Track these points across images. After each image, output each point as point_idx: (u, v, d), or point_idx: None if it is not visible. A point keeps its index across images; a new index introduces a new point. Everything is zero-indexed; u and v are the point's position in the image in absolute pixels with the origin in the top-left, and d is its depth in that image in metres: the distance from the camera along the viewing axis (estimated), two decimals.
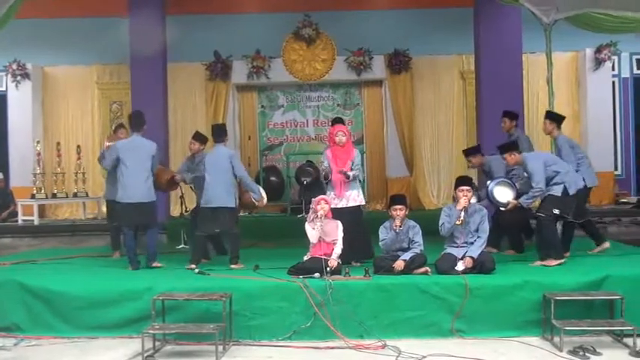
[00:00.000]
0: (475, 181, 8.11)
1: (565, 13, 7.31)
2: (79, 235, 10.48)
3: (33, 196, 11.44)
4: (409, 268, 5.96)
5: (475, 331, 5.59)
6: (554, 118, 7.42)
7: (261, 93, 13.06)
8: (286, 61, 12.33)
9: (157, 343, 5.41)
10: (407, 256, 6.04)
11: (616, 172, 12.95)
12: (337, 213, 6.52)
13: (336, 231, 6.24)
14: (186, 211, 9.64)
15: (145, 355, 5.14)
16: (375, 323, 5.60)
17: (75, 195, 11.96)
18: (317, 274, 5.83)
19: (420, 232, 6.24)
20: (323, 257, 5.99)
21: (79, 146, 12.17)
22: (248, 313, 5.64)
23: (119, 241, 7.71)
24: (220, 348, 5.18)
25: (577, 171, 7.03)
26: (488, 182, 7.26)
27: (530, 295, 5.61)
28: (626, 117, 13.23)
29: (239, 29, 12.31)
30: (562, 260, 6.47)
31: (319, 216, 6.20)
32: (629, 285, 5.65)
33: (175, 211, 11.22)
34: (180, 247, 8.76)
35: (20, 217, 11.44)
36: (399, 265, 5.97)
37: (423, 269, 5.98)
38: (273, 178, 11.92)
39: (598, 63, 12.54)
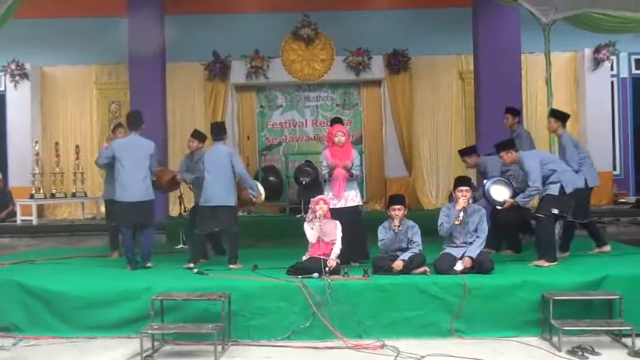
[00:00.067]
0: (473, 181, 8.10)
1: (564, 13, 7.31)
2: (77, 235, 10.47)
3: (31, 196, 11.44)
4: (408, 268, 5.96)
5: (474, 331, 5.59)
6: (559, 116, 7.41)
7: (259, 93, 13.06)
8: (285, 61, 12.33)
9: (156, 343, 5.41)
10: (406, 256, 6.04)
11: (614, 172, 12.97)
12: (336, 213, 6.52)
13: (335, 231, 6.24)
14: (185, 210, 9.63)
15: (144, 355, 5.14)
16: (373, 323, 5.60)
17: (73, 195, 11.95)
18: (316, 274, 5.82)
19: (419, 232, 6.24)
20: (322, 257, 5.98)
21: (77, 146, 12.18)
22: (247, 313, 5.64)
23: (118, 241, 7.70)
24: (219, 348, 5.17)
25: (579, 171, 7.03)
26: (485, 181, 7.25)
27: (529, 295, 5.61)
28: (625, 117, 13.25)
29: (238, 29, 12.31)
30: (554, 263, 6.44)
31: (318, 216, 6.20)
32: (627, 285, 5.65)
33: (174, 211, 11.21)
34: (179, 247, 8.75)
35: (19, 217, 11.44)
36: (398, 265, 5.97)
37: (421, 269, 5.98)
38: (271, 178, 11.92)
39: (597, 63, 12.56)
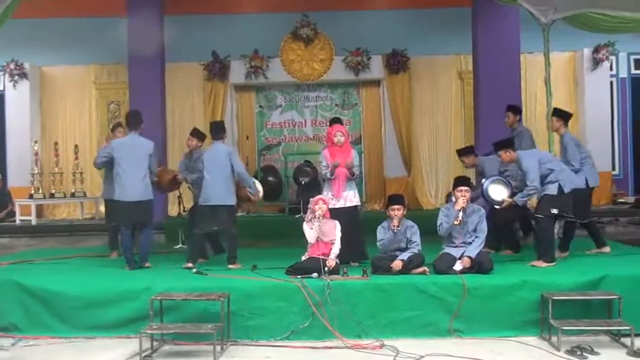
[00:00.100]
0: (472, 181, 8.11)
1: (563, 13, 7.31)
2: (76, 235, 10.47)
3: (31, 196, 11.44)
4: (407, 267, 5.96)
5: (473, 331, 5.59)
6: (562, 115, 7.40)
7: (259, 93, 13.05)
8: (284, 61, 12.33)
9: (155, 343, 5.41)
10: (405, 256, 6.04)
11: (614, 172, 12.98)
12: (335, 213, 6.51)
13: (334, 231, 6.23)
14: (184, 210, 9.63)
15: (143, 355, 5.14)
16: (373, 323, 5.60)
17: (72, 195, 11.95)
18: (315, 274, 5.82)
19: (418, 232, 6.24)
20: (321, 257, 5.98)
21: (76, 146, 12.18)
22: (246, 313, 5.64)
23: (117, 241, 7.69)
24: (218, 348, 5.17)
25: (580, 170, 7.02)
26: (483, 180, 7.25)
27: (528, 295, 5.61)
28: (624, 117, 13.25)
29: (237, 29, 12.30)
30: (552, 263, 6.44)
31: (317, 216, 6.19)
32: (626, 285, 5.65)
33: (173, 210, 11.21)
34: (177, 246, 8.75)
35: (18, 217, 11.44)
36: (397, 265, 5.97)
37: (420, 269, 5.98)
38: (271, 178, 11.91)
39: (596, 63, 12.56)
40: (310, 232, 6.20)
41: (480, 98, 10.33)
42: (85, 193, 12.08)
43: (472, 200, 6.88)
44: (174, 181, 7.85)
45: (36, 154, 11.77)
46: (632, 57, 13.29)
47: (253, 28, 12.21)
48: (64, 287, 5.90)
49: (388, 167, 12.66)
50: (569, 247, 7.19)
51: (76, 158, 12.02)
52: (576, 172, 7.01)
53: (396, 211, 6.17)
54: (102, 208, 9.45)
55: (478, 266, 5.99)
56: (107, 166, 7.26)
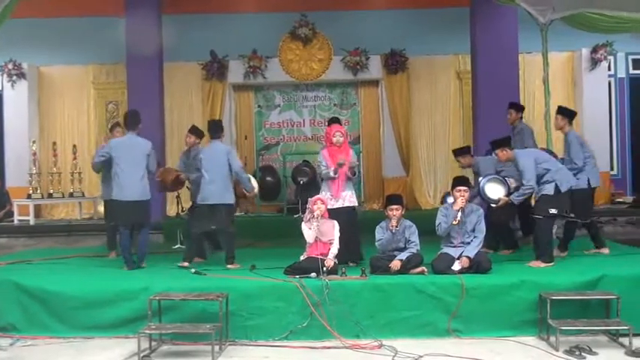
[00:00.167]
0: (471, 181, 8.12)
1: (561, 13, 7.32)
2: (74, 235, 10.46)
3: (29, 196, 11.43)
4: (405, 267, 5.96)
5: (471, 331, 5.60)
6: (566, 114, 7.35)
7: (257, 93, 13.06)
8: (283, 61, 12.34)
9: (154, 343, 5.41)
10: (403, 255, 6.04)
11: (612, 172, 12.98)
12: (334, 213, 6.51)
13: (333, 231, 6.23)
14: (182, 210, 9.62)
15: (142, 355, 5.13)
16: (371, 323, 5.60)
17: (71, 195, 11.94)
18: (313, 274, 5.82)
19: (417, 232, 6.24)
20: (319, 257, 5.98)
21: (75, 146, 12.17)
22: (244, 313, 5.64)
23: (115, 241, 7.70)
24: (217, 348, 5.17)
25: (582, 170, 7.01)
26: (480, 179, 7.25)
27: (527, 295, 5.62)
28: (622, 117, 13.26)
29: (235, 29, 12.30)
30: (550, 264, 6.44)
31: (315, 216, 6.19)
32: (625, 285, 5.66)
33: (171, 210, 11.21)
34: (176, 247, 8.74)
35: (16, 217, 11.43)
36: (396, 264, 5.97)
37: (419, 269, 5.98)
38: (269, 178, 11.92)
39: (594, 63, 12.58)
40: (309, 232, 6.20)
41: (478, 98, 10.34)
42: (83, 193, 12.07)
43: (469, 199, 6.88)
44: (177, 181, 7.83)
45: (34, 154, 11.76)
46: (630, 57, 13.28)
47: (252, 28, 12.21)
48: (62, 287, 5.90)
49: (386, 167, 12.67)
50: (568, 247, 7.18)
51: (75, 158, 12.01)
52: (578, 171, 6.99)
53: (395, 211, 6.17)
54: (100, 208, 9.45)
55: (476, 266, 5.99)
56: (105, 166, 7.25)
